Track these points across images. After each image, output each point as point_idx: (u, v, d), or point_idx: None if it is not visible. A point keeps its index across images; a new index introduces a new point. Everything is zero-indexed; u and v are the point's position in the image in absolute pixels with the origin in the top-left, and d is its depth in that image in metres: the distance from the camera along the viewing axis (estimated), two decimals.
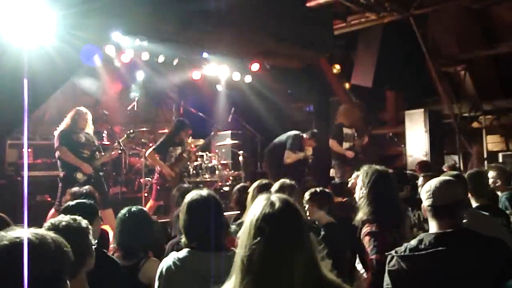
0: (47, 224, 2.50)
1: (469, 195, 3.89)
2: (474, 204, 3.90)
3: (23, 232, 1.45)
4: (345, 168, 7.99)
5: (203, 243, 2.53)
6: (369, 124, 8.76)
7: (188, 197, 2.69)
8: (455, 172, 3.84)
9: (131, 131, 7.23)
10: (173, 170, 6.98)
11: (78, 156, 6.11)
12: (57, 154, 6.18)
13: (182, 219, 2.64)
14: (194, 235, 2.58)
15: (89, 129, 6.45)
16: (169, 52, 9.12)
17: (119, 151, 6.69)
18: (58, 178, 6.23)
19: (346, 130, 8.27)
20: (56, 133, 6.22)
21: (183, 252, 2.53)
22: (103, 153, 6.49)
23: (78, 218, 2.51)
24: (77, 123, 6.23)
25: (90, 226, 2.54)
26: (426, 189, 2.51)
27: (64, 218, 2.48)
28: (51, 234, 1.53)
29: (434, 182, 2.51)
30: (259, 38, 6.65)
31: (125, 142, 6.93)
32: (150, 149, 7.11)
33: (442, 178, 2.60)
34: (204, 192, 2.72)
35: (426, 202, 2.48)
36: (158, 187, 7.02)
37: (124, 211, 3.37)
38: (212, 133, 7.97)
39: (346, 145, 8.24)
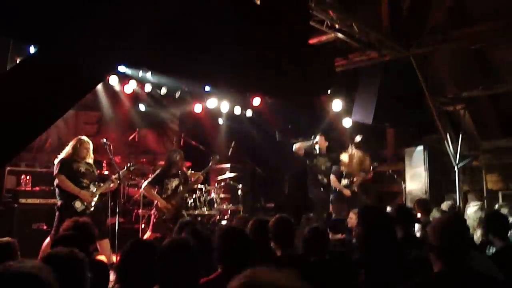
0: (44, 255, 2.49)
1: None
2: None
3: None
4: (343, 205, 8.01)
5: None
6: (371, 162, 8.81)
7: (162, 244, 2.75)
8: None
9: (131, 164, 7.25)
10: (169, 202, 6.95)
11: (78, 185, 6.10)
12: (55, 182, 6.17)
13: (157, 265, 2.68)
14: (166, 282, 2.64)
15: (90, 158, 6.45)
16: (171, 84, 9.24)
17: (118, 181, 6.68)
18: (55, 206, 6.20)
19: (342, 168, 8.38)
20: (56, 161, 6.22)
21: None
22: (101, 184, 6.47)
23: (75, 250, 2.50)
24: (78, 152, 6.24)
25: (87, 259, 2.52)
26: (436, 227, 2.50)
27: (61, 250, 2.47)
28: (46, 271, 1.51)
29: (445, 221, 2.49)
30: (260, 74, 6.73)
31: (124, 173, 6.93)
32: (145, 182, 7.11)
33: (453, 218, 2.59)
34: (178, 239, 2.76)
35: (435, 241, 2.46)
36: (155, 220, 6.99)
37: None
38: (211, 163, 7.96)
39: (345, 181, 8.27)
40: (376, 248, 3.04)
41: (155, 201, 7.14)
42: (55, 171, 6.12)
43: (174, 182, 7.12)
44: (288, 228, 3.96)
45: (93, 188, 6.26)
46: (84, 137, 6.45)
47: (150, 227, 7.04)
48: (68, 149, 6.26)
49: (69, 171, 6.10)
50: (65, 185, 6.04)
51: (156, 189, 6.99)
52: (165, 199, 6.93)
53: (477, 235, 4.28)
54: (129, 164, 7.13)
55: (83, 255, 2.50)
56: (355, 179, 8.35)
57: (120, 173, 6.61)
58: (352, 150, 8.47)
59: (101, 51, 4.92)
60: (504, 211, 5.29)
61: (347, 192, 8.18)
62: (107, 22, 4.50)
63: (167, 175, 7.09)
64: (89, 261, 3.11)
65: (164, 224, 7.02)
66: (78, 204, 6.04)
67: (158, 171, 7.26)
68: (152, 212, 7.15)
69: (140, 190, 8.29)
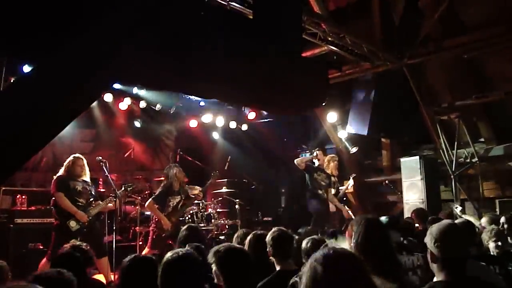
0: (31, 276, 2.48)
1: None
2: None
3: None
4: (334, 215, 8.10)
5: None
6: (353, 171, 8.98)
7: (166, 257, 2.71)
8: (463, 219, 3.77)
9: (128, 184, 7.19)
10: (170, 219, 6.90)
11: (74, 204, 6.05)
12: (53, 200, 6.12)
13: (159, 278, 2.64)
14: None
15: (86, 176, 6.40)
16: (166, 100, 9.25)
17: (114, 200, 6.62)
18: (52, 226, 6.15)
19: (332, 179, 8.44)
20: (54, 179, 6.18)
21: None
22: (100, 203, 6.43)
23: (64, 270, 2.48)
24: (72, 170, 6.21)
25: (75, 278, 2.50)
26: (437, 237, 2.47)
27: (49, 271, 2.47)
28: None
29: (446, 230, 2.47)
30: (255, 87, 6.75)
31: (121, 193, 6.87)
32: (150, 199, 7.05)
33: (453, 226, 2.56)
34: (182, 251, 2.72)
35: (438, 251, 2.44)
36: (154, 236, 6.92)
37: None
38: (211, 179, 7.93)
39: (333, 191, 8.40)
40: (371, 258, 2.99)
41: (154, 218, 7.08)
42: (53, 189, 6.08)
43: (176, 200, 7.07)
44: (286, 241, 3.93)
45: (89, 208, 6.21)
46: (77, 155, 6.41)
47: (149, 243, 6.97)
48: (64, 167, 6.23)
49: (66, 189, 6.07)
50: (63, 204, 6.00)
51: (157, 207, 6.93)
52: (165, 216, 6.88)
53: (491, 247, 4.26)
54: (126, 185, 7.07)
55: (71, 275, 2.48)
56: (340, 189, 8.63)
57: (118, 193, 6.56)
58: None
59: (96, 69, 4.92)
60: (484, 220, 5.26)
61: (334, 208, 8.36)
62: (102, 39, 4.51)
63: (170, 192, 7.04)
64: (87, 281, 3.08)
65: (162, 241, 6.97)
66: (73, 224, 5.99)
67: (161, 189, 7.19)
68: (151, 228, 7.09)
69: (137, 207, 8.25)
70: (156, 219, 6.97)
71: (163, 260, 2.71)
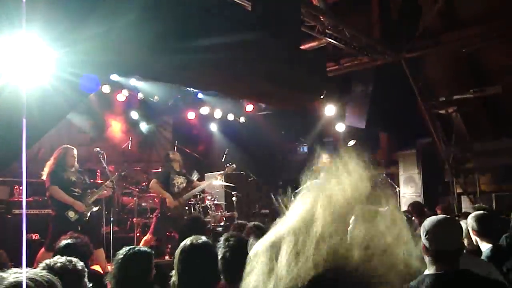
0: (42, 264, 2.48)
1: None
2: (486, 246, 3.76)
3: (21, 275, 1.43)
4: None
5: None
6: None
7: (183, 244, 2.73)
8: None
9: (122, 168, 7.22)
10: (178, 200, 6.94)
11: (70, 194, 6.04)
12: (48, 193, 6.10)
13: (175, 264, 2.66)
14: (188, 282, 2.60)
15: (76, 165, 6.38)
16: (164, 92, 9.23)
17: (112, 190, 6.64)
18: (49, 217, 6.15)
19: None
20: (45, 173, 6.13)
21: None
22: (95, 190, 6.44)
23: (74, 260, 2.49)
24: (66, 161, 6.18)
25: (85, 269, 2.52)
26: (429, 230, 2.48)
27: (60, 259, 2.47)
28: (46, 275, 1.51)
29: (437, 223, 2.49)
30: (253, 79, 6.75)
31: (116, 178, 6.90)
32: (153, 180, 7.14)
33: (445, 219, 2.57)
34: (200, 240, 2.74)
35: (429, 244, 2.46)
36: (159, 215, 6.92)
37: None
38: (226, 170, 8.00)
39: None
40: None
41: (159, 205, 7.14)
42: (47, 183, 6.05)
43: (180, 180, 7.12)
44: None
45: (86, 196, 6.21)
46: (68, 145, 6.38)
47: (151, 228, 6.97)
48: (54, 159, 6.16)
49: (61, 181, 6.05)
50: (59, 196, 5.98)
51: (161, 185, 6.98)
52: (172, 195, 6.91)
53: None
54: (120, 171, 7.09)
55: (82, 264, 2.50)
56: None
57: (113, 180, 6.58)
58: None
59: (94, 61, 4.91)
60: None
61: None
62: (100, 32, 4.50)
63: (172, 171, 7.09)
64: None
65: (164, 228, 7.02)
66: (71, 214, 5.99)
67: (162, 169, 7.31)
68: (155, 214, 7.12)
69: (135, 198, 8.26)
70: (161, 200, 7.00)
71: (181, 246, 2.74)
